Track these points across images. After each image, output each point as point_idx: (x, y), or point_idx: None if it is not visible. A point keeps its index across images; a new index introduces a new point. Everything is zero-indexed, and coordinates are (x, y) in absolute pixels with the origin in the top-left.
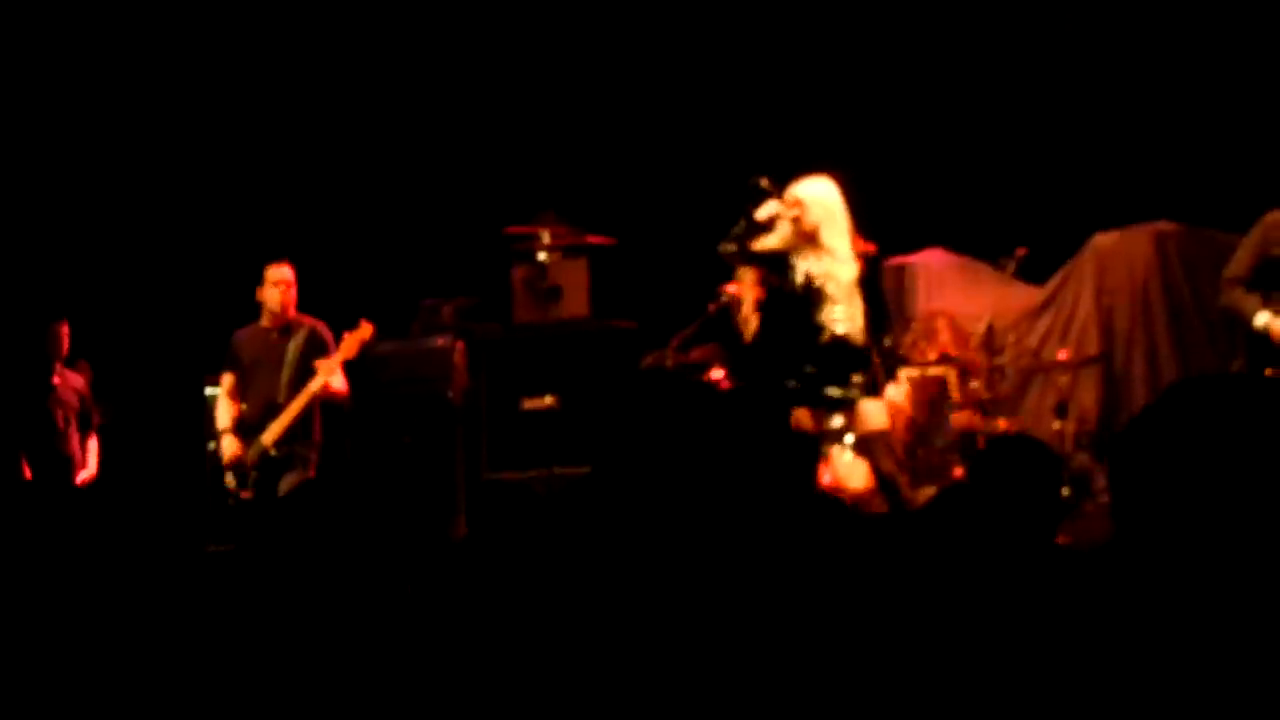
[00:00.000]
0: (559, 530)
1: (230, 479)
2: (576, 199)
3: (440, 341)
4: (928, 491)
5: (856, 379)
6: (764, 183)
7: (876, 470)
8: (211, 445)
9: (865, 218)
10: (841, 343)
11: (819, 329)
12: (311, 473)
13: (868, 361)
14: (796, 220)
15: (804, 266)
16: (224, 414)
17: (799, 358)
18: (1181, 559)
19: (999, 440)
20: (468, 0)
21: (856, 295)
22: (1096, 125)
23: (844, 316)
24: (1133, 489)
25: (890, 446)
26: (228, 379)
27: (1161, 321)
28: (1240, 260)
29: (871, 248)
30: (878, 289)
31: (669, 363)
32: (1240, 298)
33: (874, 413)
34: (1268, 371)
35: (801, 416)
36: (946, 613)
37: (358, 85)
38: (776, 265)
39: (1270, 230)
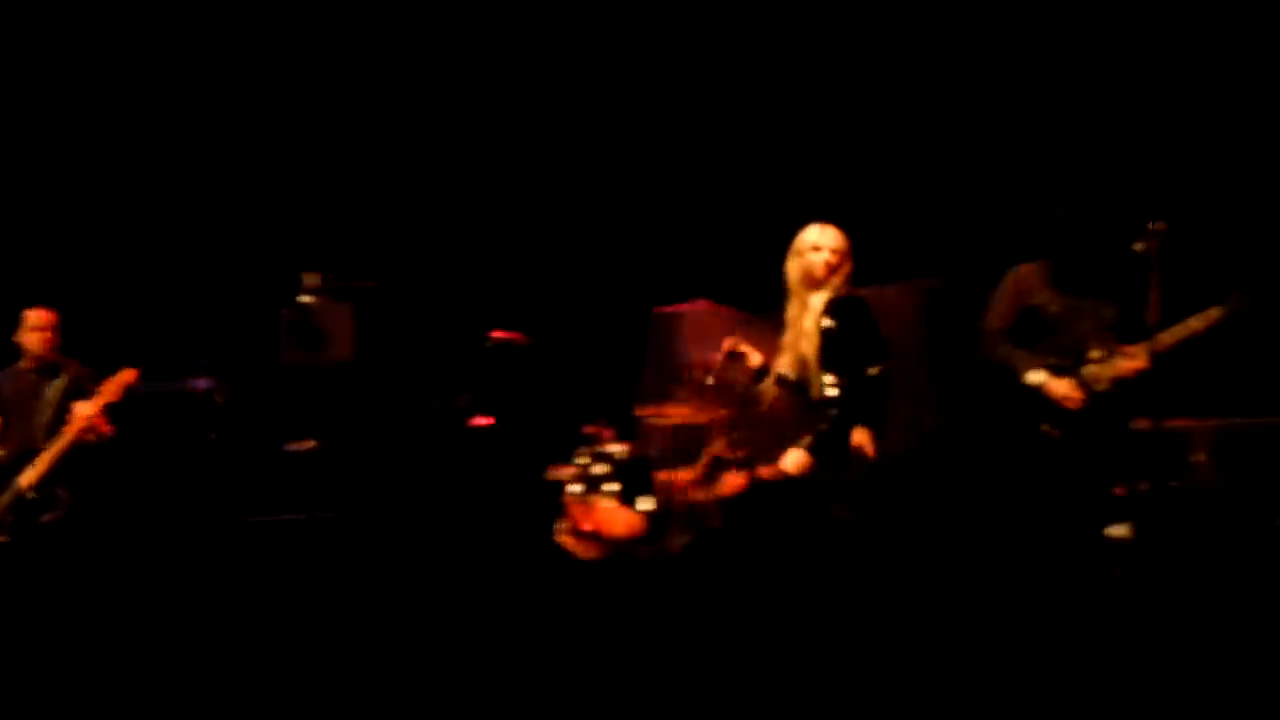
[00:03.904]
0: (314, 569)
1: None
2: (343, 244)
3: (203, 383)
4: (688, 540)
5: None
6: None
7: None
8: None
9: (635, 269)
10: None
11: None
12: (65, 514)
13: None
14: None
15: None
16: None
17: None
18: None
19: (755, 488)
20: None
21: None
22: (860, 183)
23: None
24: (882, 535)
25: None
26: None
27: (923, 374)
28: (998, 313)
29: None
30: None
31: (433, 407)
32: (1009, 353)
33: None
34: (1043, 427)
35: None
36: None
37: (134, 127)
38: None
39: (1021, 281)
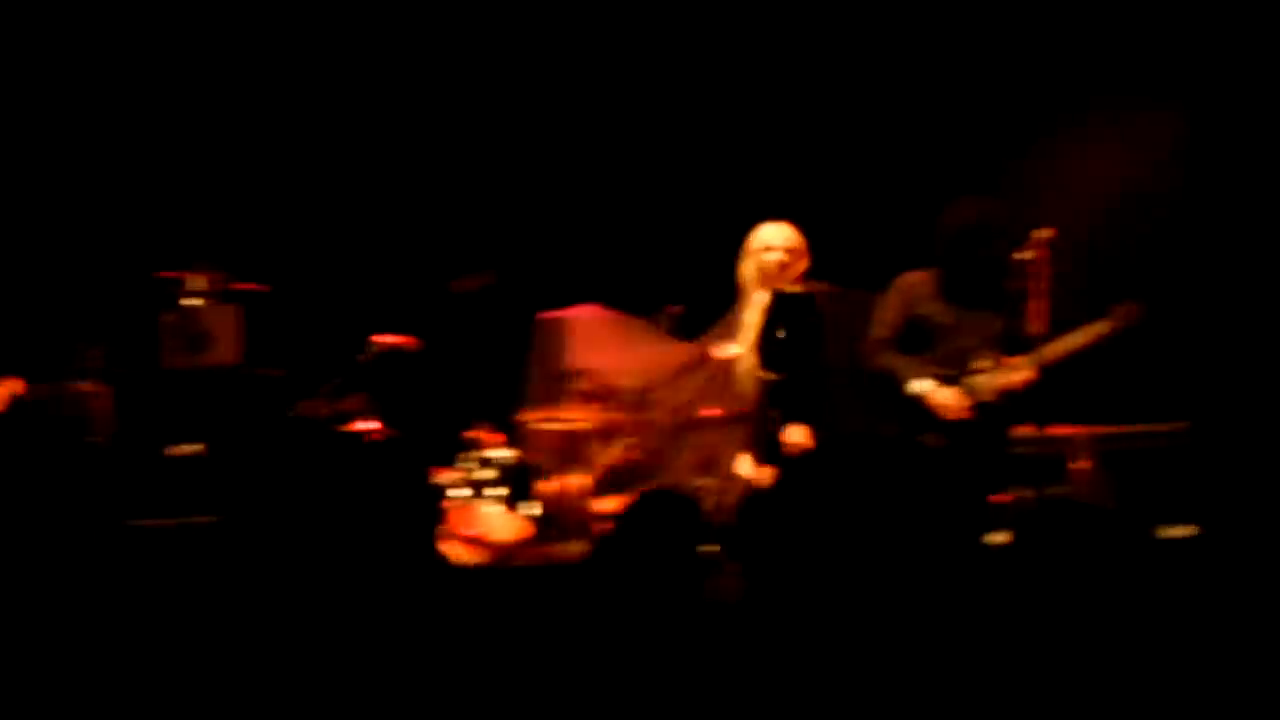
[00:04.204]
0: (198, 574)
1: None
2: (229, 246)
3: (86, 386)
4: (575, 547)
5: None
6: None
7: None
8: None
9: (521, 274)
10: None
11: None
12: None
13: None
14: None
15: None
16: None
17: None
18: (813, 615)
19: (643, 498)
20: (114, 56)
21: None
22: (748, 186)
23: None
24: (765, 546)
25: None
26: None
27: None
28: (885, 322)
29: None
30: None
31: (318, 411)
32: (895, 361)
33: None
34: (926, 437)
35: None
36: (592, 665)
37: (13, 127)
38: None
39: (909, 290)
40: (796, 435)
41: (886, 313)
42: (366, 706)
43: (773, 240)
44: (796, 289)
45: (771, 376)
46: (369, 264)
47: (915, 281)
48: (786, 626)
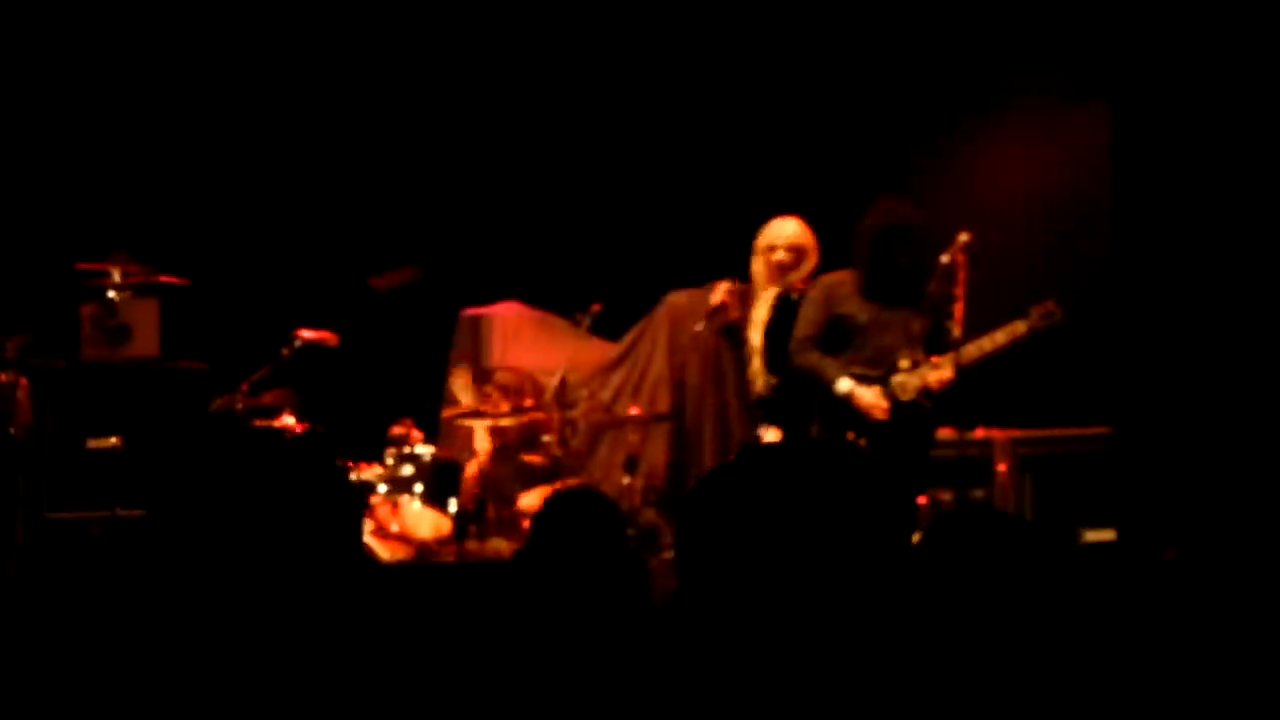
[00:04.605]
0: (115, 572)
1: None
2: (150, 238)
3: (3, 377)
4: (497, 544)
5: None
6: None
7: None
8: None
9: (443, 269)
10: None
11: None
12: None
13: None
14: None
15: None
16: None
17: None
18: (743, 618)
19: (561, 495)
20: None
21: None
22: (669, 183)
23: None
24: (698, 546)
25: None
26: None
27: (733, 380)
28: (809, 320)
29: None
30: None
31: (239, 405)
32: (818, 360)
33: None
34: (849, 435)
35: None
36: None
37: None
38: None
39: (833, 290)
40: (770, 437)
41: (810, 311)
42: (288, 704)
43: (776, 238)
44: (796, 292)
45: (773, 380)
46: (291, 258)
47: (836, 281)
48: (712, 626)
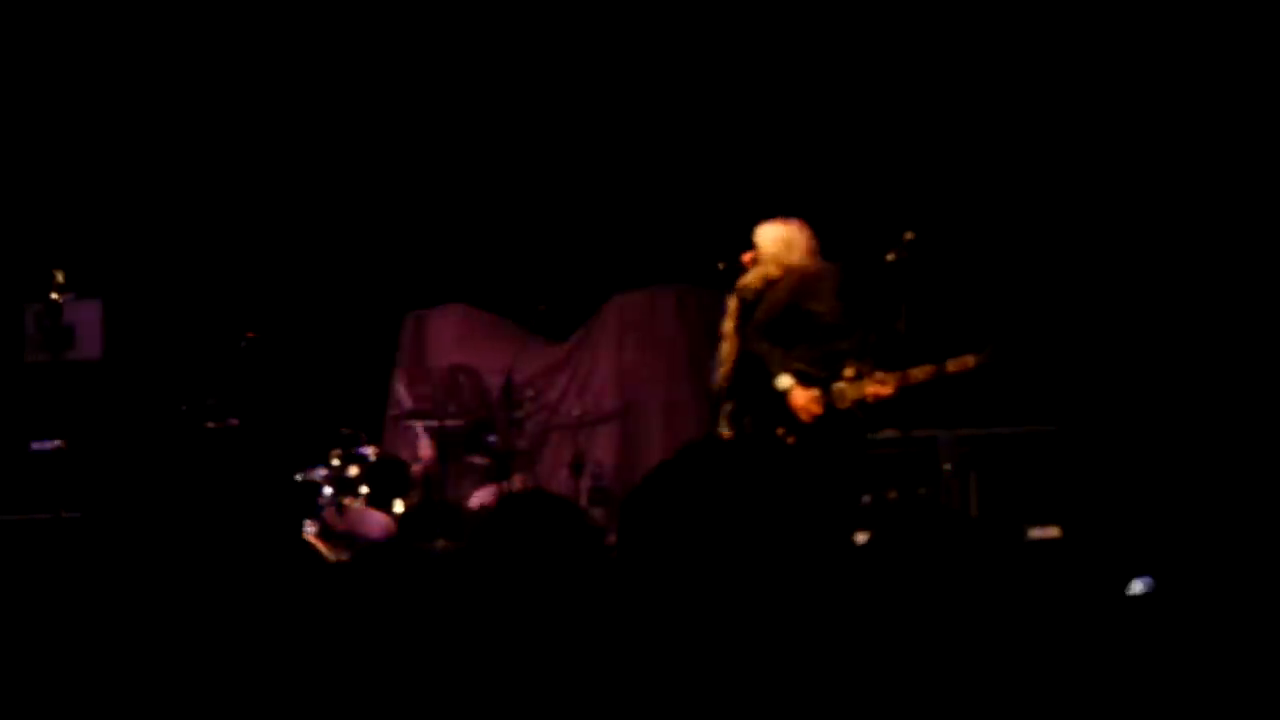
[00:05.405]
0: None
1: None
2: (93, 241)
3: None
4: (444, 544)
5: None
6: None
7: None
8: None
9: (389, 272)
10: None
11: None
12: None
13: None
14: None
15: None
16: None
17: None
18: (686, 614)
19: (509, 497)
20: None
21: None
22: (613, 186)
23: None
24: (638, 544)
25: None
26: None
27: (680, 380)
28: (770, 306)
29: None
30: None
31: (188, 408)
32: (767, 350)
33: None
34: (779, 431)
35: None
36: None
37: None
38: None
39: (807, 283)
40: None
41: (775, 298)
42: (232, 703)
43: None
44: (751, 293)
45: (727, 371)
46: (237, 260)
47: (813, 276)
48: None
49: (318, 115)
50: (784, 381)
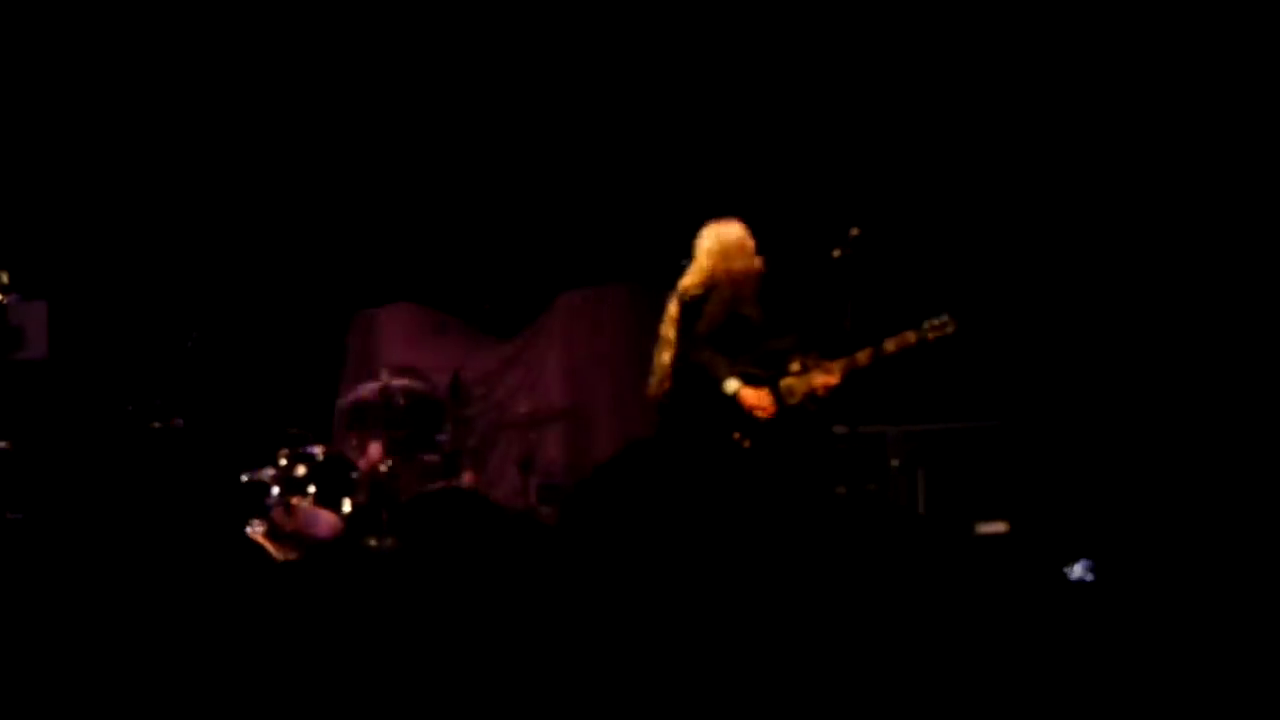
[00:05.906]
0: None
1: None
2: (38, 240)
3: None
4: (392, 543)
5: None
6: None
7: None
8: None
9: (337, 271)
10: None
11: None
12: None
13: None
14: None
15: None
16: None
17: None
18: (627, 607)
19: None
20: None
21: None
22: (560, 184)
23: None
24: (582, 540)
25: None
26: None
27: (628, 379)
28: (708, 317)
29: None
30: None
31: (134, 408)
32: (709, 358)
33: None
34: (735, 435)
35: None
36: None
37: None
38: None
39: (739, 289)
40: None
41: (711, 308)
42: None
43: None
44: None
45: (667, 379)
46: (184, 259)
47: (743, 280)
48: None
49: (264, 115)
50: (731, 385)
